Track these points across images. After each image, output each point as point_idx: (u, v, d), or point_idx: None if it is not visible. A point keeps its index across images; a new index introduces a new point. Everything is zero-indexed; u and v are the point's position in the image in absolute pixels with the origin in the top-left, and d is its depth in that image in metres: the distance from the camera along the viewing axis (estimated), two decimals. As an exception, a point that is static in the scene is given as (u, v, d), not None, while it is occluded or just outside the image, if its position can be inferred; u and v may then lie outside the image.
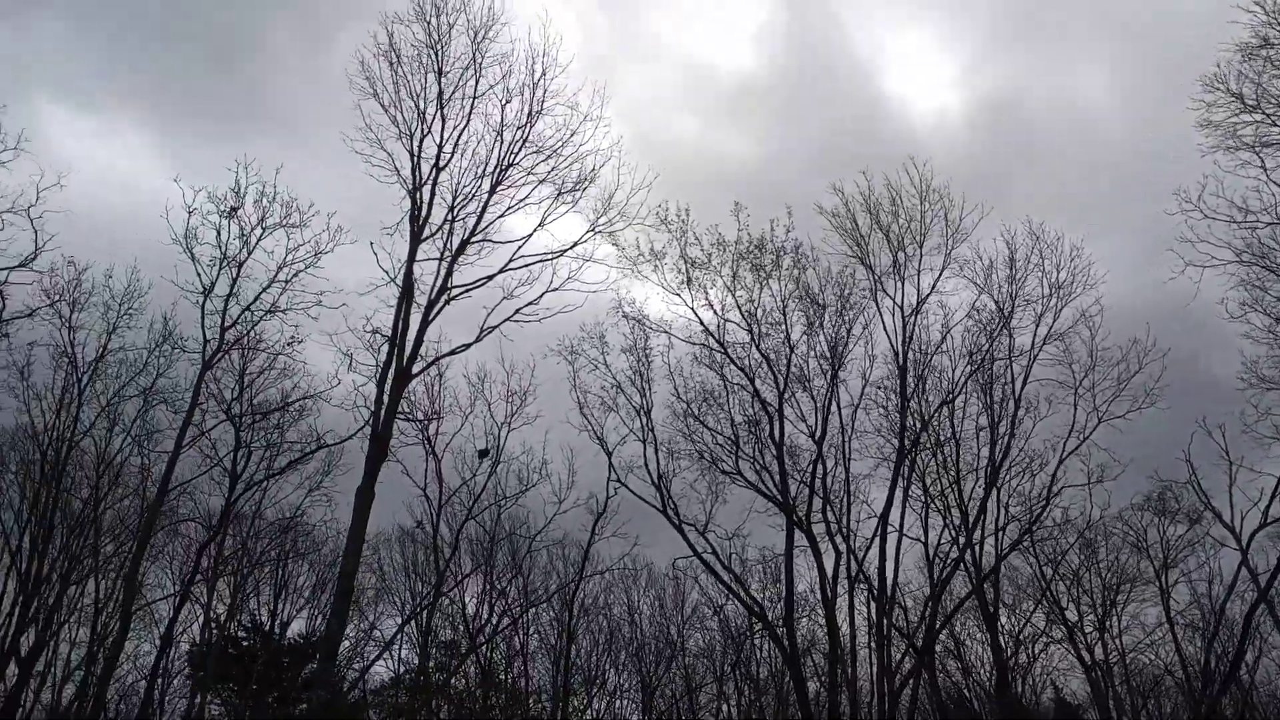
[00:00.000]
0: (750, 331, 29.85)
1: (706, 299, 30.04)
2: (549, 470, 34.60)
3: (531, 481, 34.51)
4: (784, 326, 29.92)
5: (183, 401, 27.86)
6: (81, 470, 30.66)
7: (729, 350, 29.93)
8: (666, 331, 30.39)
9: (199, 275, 27.05)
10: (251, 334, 28.33)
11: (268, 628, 34.63)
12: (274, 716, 30.44)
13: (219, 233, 27.17)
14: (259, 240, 27.56)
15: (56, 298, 27.40)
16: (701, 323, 30.02)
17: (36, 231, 22.82)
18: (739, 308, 29.94)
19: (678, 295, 30.12)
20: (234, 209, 27.15)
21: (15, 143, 21.90)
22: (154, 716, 32.31)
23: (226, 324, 27.25)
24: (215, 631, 33.68)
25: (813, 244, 30.23)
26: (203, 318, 27.01)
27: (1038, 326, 29.47)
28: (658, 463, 29.82)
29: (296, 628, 36.77)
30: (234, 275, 27.36)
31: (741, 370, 29.83)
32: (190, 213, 26.64)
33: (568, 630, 37.51)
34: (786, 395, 29.62)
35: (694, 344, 30.20)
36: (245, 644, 32.34)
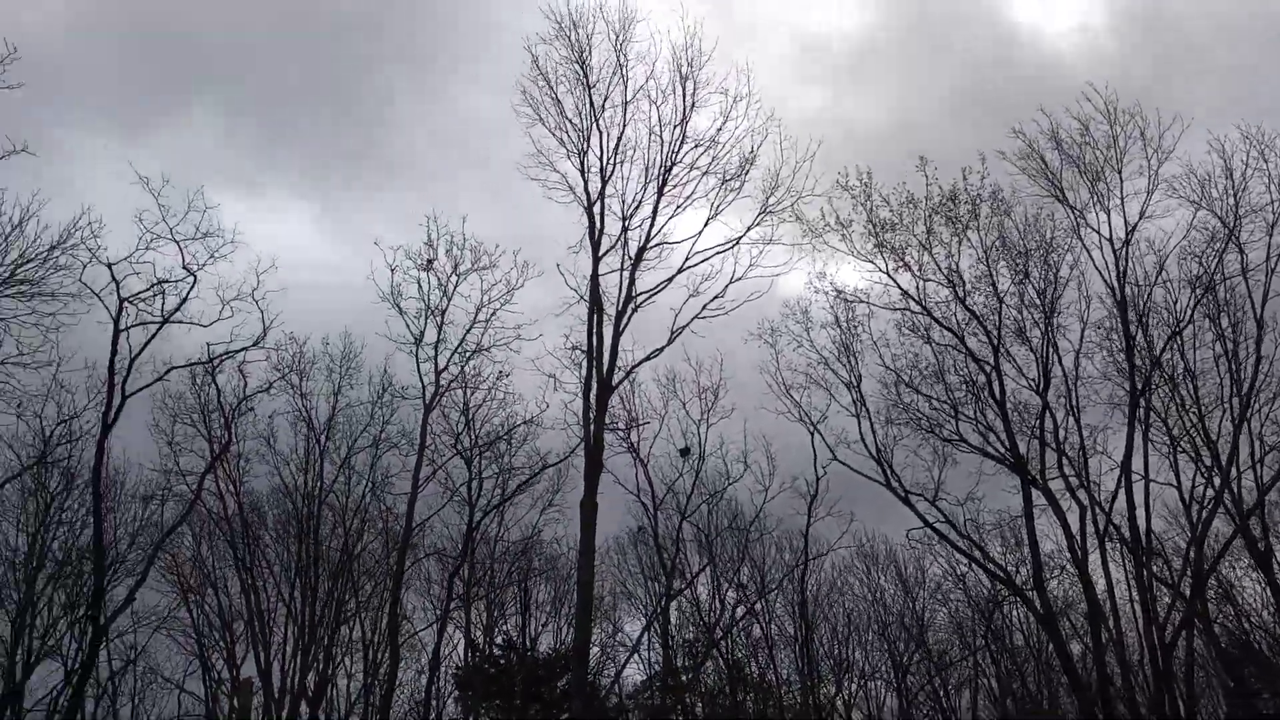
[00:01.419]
0: (953, 288, 28.38)
1: (902, 261, 28.74)
2: (749, 459, 34.78)
3: (736, 474, 34.84)
4: (990, 278, 28.39)
5: (410, 444, 30.04)
6: (332, 520, 33.32)
7: (931, 311, 28.72)
8: (864, 300, 29.47)
9: (408, 326, 29.28)
10: (463, 373, 30.15)
11: (521, 644, 36.42)
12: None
13: (419, 285, 29.27)
14: (455, 287, 29.41)
15: (287, 370, 30.05)
16: (899, 286, 28.79)
17: (263, 313, 24.94)
18: (938, 266, 28.60)
19: (870, 262, 28.90)
20: (430, 261, 29.18)
21: (232, 236, 24.13)
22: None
23: (440, 368, 29.30)
24: (474, 653, 35.76)
25: (1012, 188, 28.46)
26: (418, 365, 29.23)
27: (1271, 235, 26.69)
28: (874, 435, 29.09)
29: (546, 641, 38.48)
30: (439, 322, 29.43)
31: (949, 330, 28.50)
32: (393, 270, 28.93)
33: (806, 618, 37.31)
34: (1001, 350, 28.21)
35: (894, 309, 29.07)
36: (503, 662, 34.13)
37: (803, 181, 26.00)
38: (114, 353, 24.53)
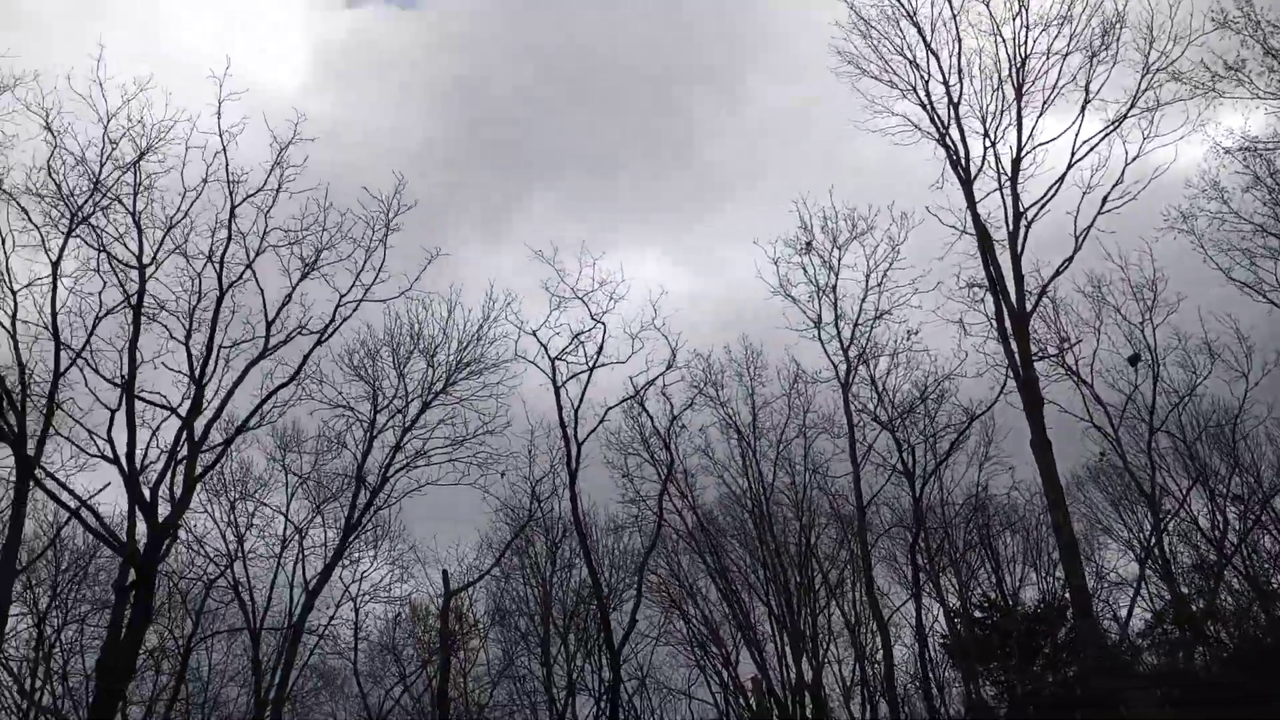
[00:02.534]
0: None
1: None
2: (1215, 348, 30.36)
3: (1203, 369, 30.68)
4: None
5: (834, 426, 30.38)
6: (783, 515, 34.14)
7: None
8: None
9: (803, 313, 29.67)
10: (870, 342, 29.93)
11: (1002, 601, 34.89)
12: (1048, 682, 30.35)
13: (804, 269, 29.54)
14: (840, 260, 29.35)
15: (702, 384, 31.46)
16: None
17: (666, 338, 28.25)
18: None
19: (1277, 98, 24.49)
20: (808, 244, 29.44)
21: (621, 277, 26.72)
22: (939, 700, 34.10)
23: (845, 343, 29.42)
24: (955, 618, 34.80)
25: None
26: (823, 346, 29.56)
27: None
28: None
29: (1028, 595, 36.49)
30: (833, 300, 29.57)
31: None
32: (776, 264, 29.56)
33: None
34: None
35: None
36: (989, 622, 32.93)
37: (1180, 30, 22.80)
38: (559, 407, 27.91)
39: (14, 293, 21.00)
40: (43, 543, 28.15)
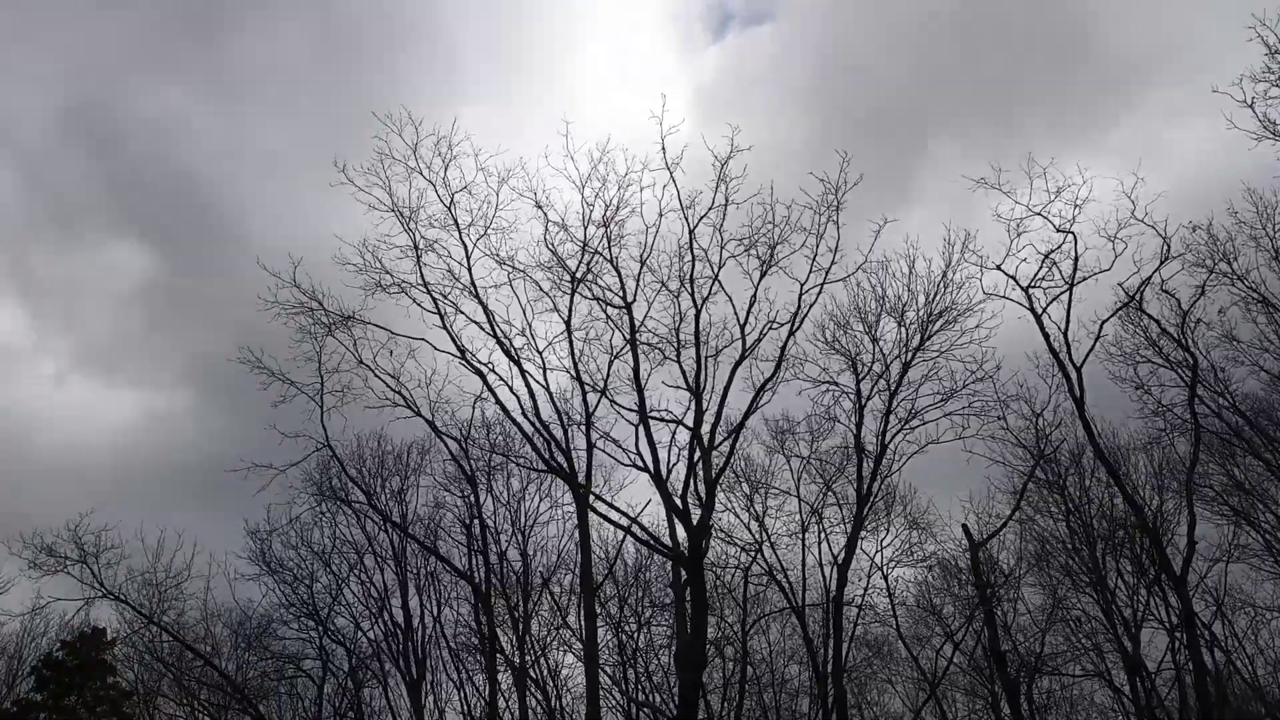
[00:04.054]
0: None
1: None
2: None
3: None
4: None
5: None
6: None
7: None
8: None
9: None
10: None
11: None
12: None
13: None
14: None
15: (1211, 261, 27.12)
16: None
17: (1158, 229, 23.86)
18: None
19: None
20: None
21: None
22: None
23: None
24: None
25: None
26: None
27: None
28: None
29: None
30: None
31: None
32: (1251, 104, 24.70)
33: None
34: None
35: None
36: None
37: None
38: (1045, 335, 26.33)
39: (540, 352, 24.43)
40: (604, 561, 32.10)
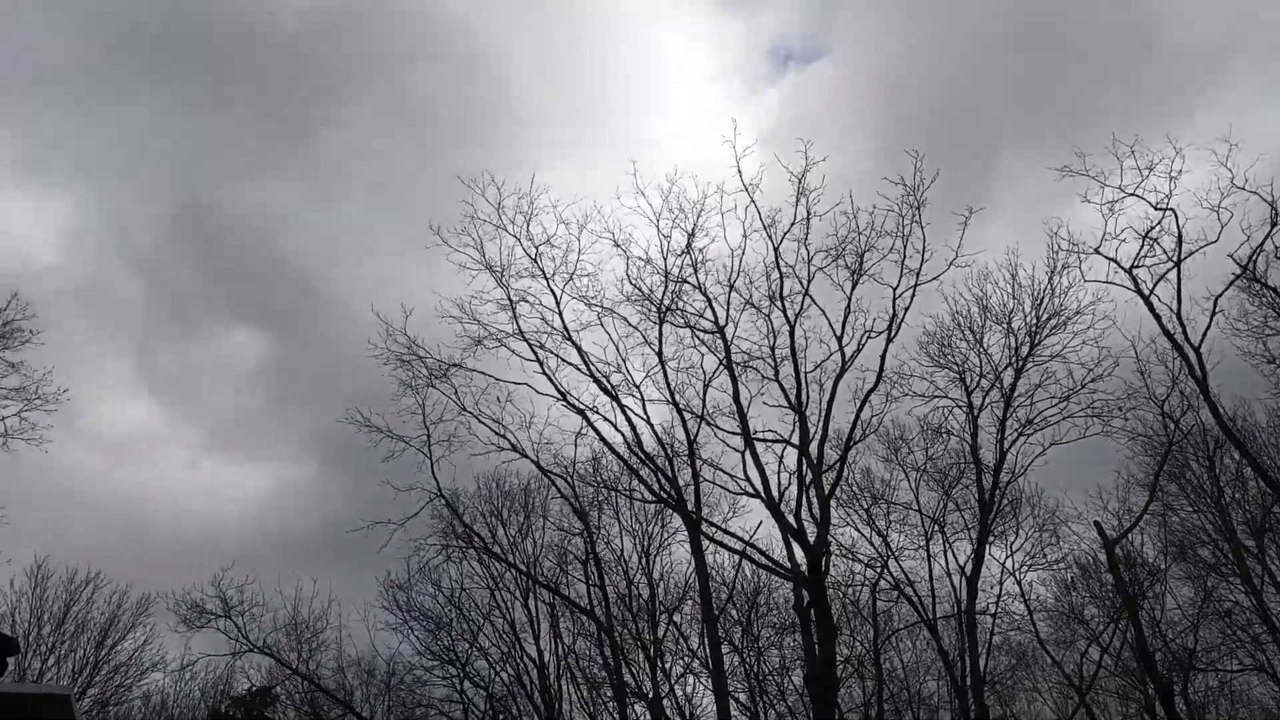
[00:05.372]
0: None
1: None
2: None
3: None
4: None
5: None
6: None
7: None
8: None
9: None
10: None
11: None
12: None
13: None
14: None
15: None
16: None
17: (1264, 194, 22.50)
18: None
19: None
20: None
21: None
22: None
23: None
24: None
25: None
26: None
27: None
28: None
29: None
30: None
31: None
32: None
33: None
34: None
35: None
36: None
37: None
38: (1157, 318, 25.12)
39: (637, 386, 24.75)
40: (723, 586, 31.91)
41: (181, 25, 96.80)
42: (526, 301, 24.90)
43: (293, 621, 30.53)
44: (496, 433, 25.07)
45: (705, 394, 24.72)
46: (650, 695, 29.81)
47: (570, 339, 24.77)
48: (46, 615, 32.75)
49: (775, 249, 24.08)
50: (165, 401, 78.71)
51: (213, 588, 27.87)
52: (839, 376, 23.97)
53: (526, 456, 25.63)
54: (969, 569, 27.95)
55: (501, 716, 34.10)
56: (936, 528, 30.97)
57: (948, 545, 30.93)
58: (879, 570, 31.31)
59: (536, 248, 24.75)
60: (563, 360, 24.85)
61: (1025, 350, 26.22)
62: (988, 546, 28.60)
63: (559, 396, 24.77)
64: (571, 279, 24.78)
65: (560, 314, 24.88)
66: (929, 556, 31.32)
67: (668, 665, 31.74)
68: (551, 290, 24.93)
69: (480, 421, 25.05)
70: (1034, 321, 26.02)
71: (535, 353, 24.79)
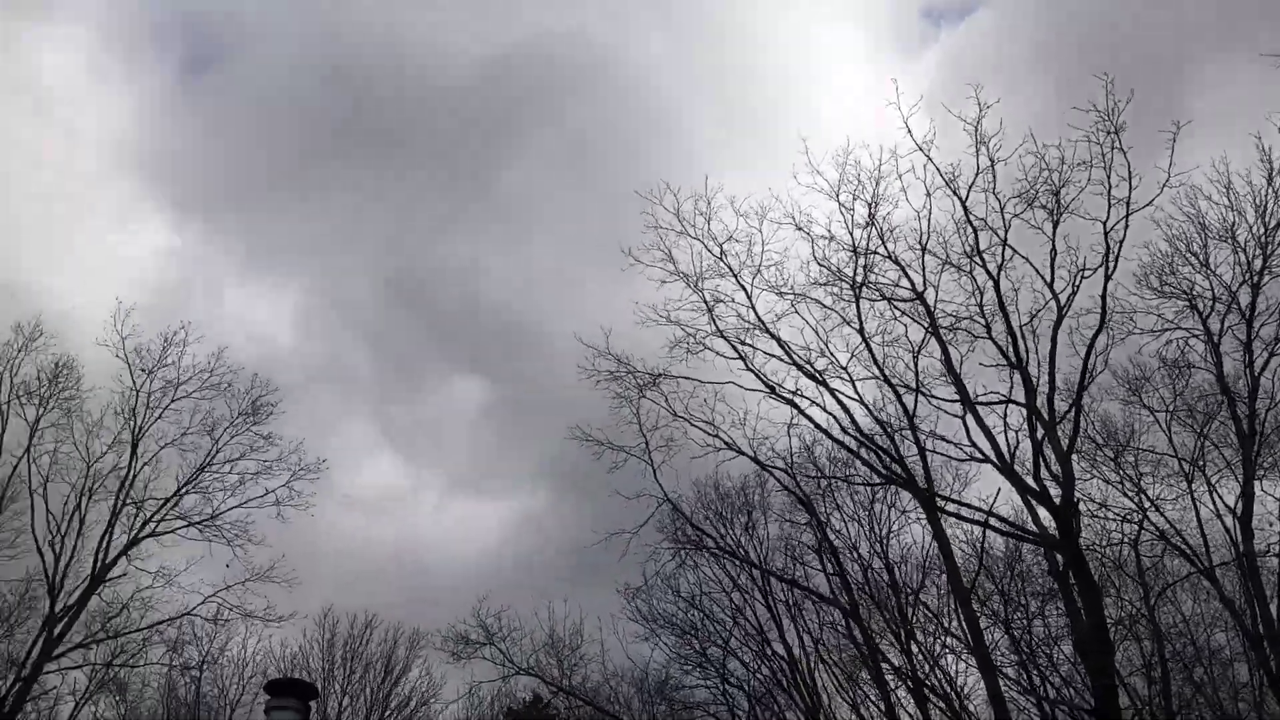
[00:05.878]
0: None
1: None
2: None
3: None
4: None
5: None
6: None
7: None
8: None
9: None
10: None
11: None
12: None
13: None
14: None
15: None
16: None
17: None
18: None
19: None
20: None
21: None
22: None
23: None
24: None
25: None
26: None
27: None
28: None
29: None
30: None
31: None
32: None
33: None
34: None
35: None
36: None
37: None
38: None
39: (844, 367, 24.60)
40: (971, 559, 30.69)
41: (365, 101, 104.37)
42: (722, 302, 25.07)
43: (550, 641, 31.96)
44: (710, 434, 25.35)
45: (916, 364, 23.98)
46: (911, 676, 29.10)
47: (768, 330, 24.71)
48: (338, 657, 36.30)
49: (963, 203, 23.04)
50: (405, 455, 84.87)
51: (474, 618, 29.72)
52: (1057, 324, 22.54)
53: (744, 454, 25.77)
54: (1239, 509, 25.55)
55: (765, 714, 34.26)
56: (1197, 469, 28.47)
57: (1211, 487, 28.35)
58: (1138, 523, 29.11)
59: (720, 245, 24.90)
60: (765, 354, 24.84)
61: (1259, 264, 23.82)
62: (1258, 482, 26.03)
63: (767, 390, 24.72)
64: (759, 271, 24.75)
65: (754, 307, 24.91)
66: (1194, 500, 28.81)
67: (925, 645, 30.88)
68: (741, 285, 24.98)
69: (694, 425, 25.42)
70: (1261, 232, 23.62)
71: (737, 349, 24.89)
